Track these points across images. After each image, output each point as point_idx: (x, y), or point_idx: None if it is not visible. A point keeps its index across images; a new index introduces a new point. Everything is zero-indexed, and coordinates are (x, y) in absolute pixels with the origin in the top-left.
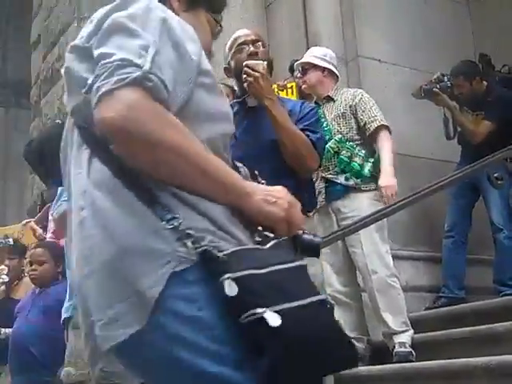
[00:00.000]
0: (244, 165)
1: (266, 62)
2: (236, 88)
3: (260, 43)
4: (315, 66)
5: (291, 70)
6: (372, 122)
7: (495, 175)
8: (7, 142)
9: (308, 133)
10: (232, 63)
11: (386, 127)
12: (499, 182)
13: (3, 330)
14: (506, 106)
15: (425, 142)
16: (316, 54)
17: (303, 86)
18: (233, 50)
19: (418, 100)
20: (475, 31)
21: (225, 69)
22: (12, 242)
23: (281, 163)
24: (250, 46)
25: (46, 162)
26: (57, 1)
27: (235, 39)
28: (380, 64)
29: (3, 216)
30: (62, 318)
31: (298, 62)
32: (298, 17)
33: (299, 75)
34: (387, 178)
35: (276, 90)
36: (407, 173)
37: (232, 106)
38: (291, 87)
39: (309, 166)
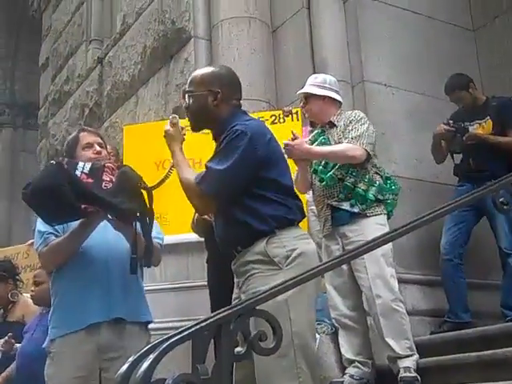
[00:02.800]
0: None
1: (173, 116)
2: None
3: (190, 91)
4: (315, 95)
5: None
6: (358, 140)
7: (501, 200)
8: (14, 162)
9: (202, 171)
10: None
11: (366, 153)
12: (505, 207)
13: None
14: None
15: (430, 166)
16: (315, 83)
17: (306, 115)
18: None
19: (423, 124)
20: (480, 56)
21: None
22: None
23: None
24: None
25: (45, 205)
26: (66, 24)
27: None
28: (386, 88)
29: (9, 237)
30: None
31: (298, 92)
32: (305, 41)
33: (301, 105)
34: (304, 145)
35: (282, 115)
36: (412, 196)
37: None
38: (296, 113)
39: (194, 204)
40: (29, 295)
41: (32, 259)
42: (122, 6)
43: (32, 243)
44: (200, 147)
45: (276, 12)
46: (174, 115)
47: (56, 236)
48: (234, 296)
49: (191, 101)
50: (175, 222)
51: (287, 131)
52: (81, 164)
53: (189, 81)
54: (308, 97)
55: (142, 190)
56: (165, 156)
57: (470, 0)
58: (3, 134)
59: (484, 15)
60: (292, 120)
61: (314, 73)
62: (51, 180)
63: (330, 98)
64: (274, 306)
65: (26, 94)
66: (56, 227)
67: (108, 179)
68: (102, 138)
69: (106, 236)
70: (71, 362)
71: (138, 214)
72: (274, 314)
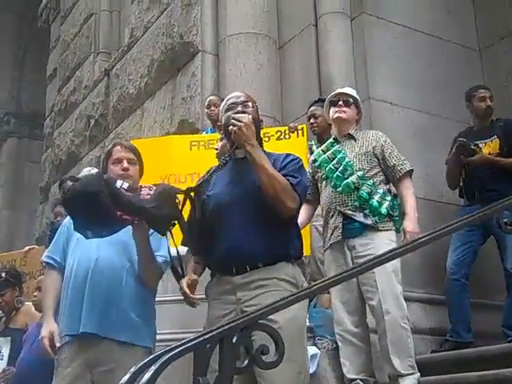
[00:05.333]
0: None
1: (251, 116)
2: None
3: (250, 103)
4: (355, 104)
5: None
6: (402, 165)
7: (505, 220)
8: (18, 172)
9: (288, 177)
10: (222, 120)
11: (412, 172)
12: (509, 228)
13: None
14: None
15: (434, 185)
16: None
17: (342, 115)
18: (223, 110)
19: (427, 143)
20: (486, 77)
21: (218, 126)
22: (3, 276)
23: (263, 208)
24: (240, 106)
25: (82, 210)
26: (74, 36)
27: (227, 101)
28: (391, 106)
29: (11, 245)
30: None
31: (337, 92)
32: (311, 58)
33: (340, 103)
34: (413, 224)
35: (287, 131)
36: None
37: (223, 161)
38: (301, 129)
39: (288, 205)
40: (30, 303)
41: (30, 266)
42: (130, 19)
43: (29, 250)
44: (204, 162)
45: (283, 29)
46: (238, 115)
47: (56, 262)
48: (224, 312)
49: (251, 110)
50: (178, 234)
51: (292, 147)
52: (119, 182)
53: (247, 95)
54: (351, 101)
55: (179, 196)
56: (170, 171)
57: (477, 20)
58: (8, 143)
59: (490, 36)
60: (297, 136)
61: (320, 89)
62: (92, 187)
63: (361, 112)
64: (296, 332)
65: (32, 104)
66: (57, 257)
67: (146, 193)
68: (136, 155)
69: (96, 249)
70: (64, 373)
71: (173, 222)
72: (295, 340)
